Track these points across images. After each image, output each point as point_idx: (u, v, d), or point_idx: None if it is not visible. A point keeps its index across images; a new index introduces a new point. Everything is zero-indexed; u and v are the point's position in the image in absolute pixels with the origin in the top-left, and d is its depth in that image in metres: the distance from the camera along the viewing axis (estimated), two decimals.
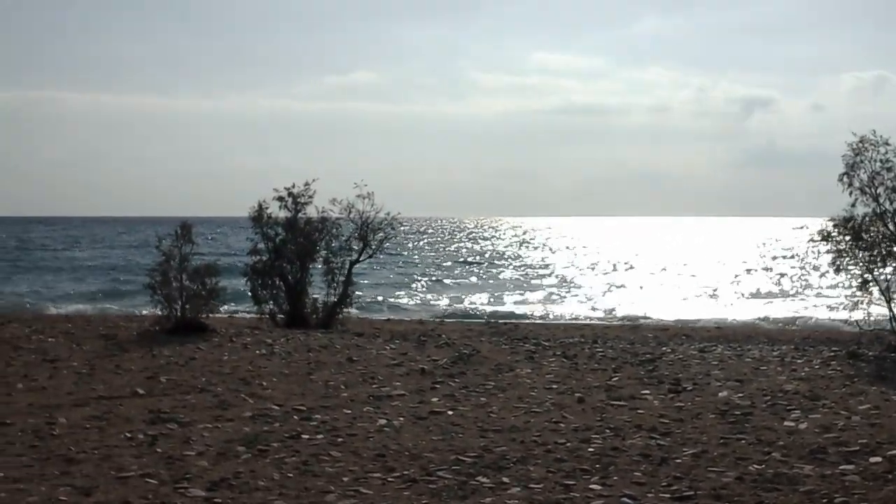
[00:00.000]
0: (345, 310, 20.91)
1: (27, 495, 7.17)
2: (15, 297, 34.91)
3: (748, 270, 51.10)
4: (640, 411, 10.41)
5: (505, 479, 7.63)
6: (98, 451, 8.55)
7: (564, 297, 38.68)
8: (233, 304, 22.58)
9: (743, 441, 8.93)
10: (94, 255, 64.61)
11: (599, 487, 7.43)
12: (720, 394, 11.45)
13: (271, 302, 20.53)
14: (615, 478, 7.69)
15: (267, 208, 20.64)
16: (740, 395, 11.34)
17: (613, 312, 30.76)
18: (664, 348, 16.14)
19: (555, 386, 12.08)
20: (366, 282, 37.19)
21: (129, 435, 9.18)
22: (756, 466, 7.98)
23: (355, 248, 21.09)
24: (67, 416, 10.07)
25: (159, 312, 18.02)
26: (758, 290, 39.94)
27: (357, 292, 22.12)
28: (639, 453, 8.44)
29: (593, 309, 32.50)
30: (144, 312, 22.34)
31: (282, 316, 20.34)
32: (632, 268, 54.21)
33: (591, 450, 8.59)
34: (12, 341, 16.12)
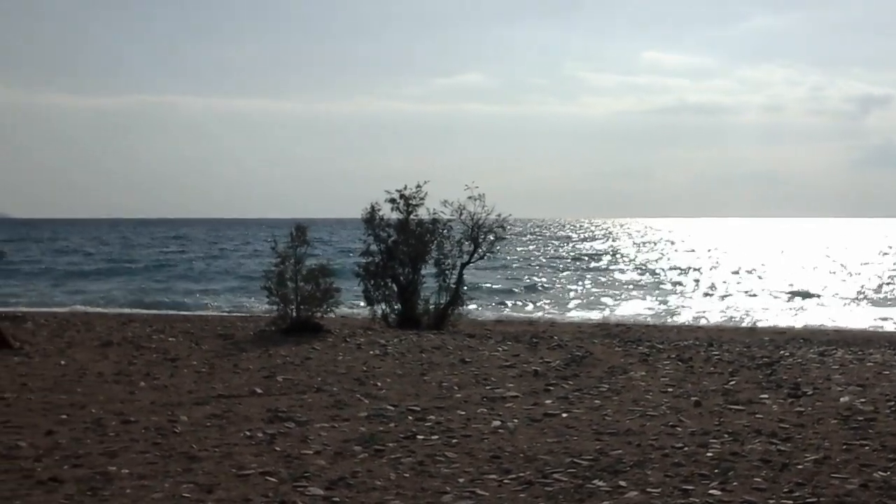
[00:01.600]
0: (456, 311, 20.98)
1: (152, 492, 7.34)
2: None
3: (863, 273, 49.81)
4: (758, 416, 10.21)
5: (622, 483, 7.55)
6: (219, 448, 8.72)
7: (677, 298, 38.18)
8: (346, 304, 22.78)
9: (867, 447, 8.69)
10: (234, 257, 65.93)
11: (719, 493, 7.30)
12: (842, 399, 11.17)
13: (383, 303, 20.71)
14: (735, 483, 7.55)
15: (379, 210, 20.83)
16: (862, 399, 11.04)
17: (727, 314, 30.24)
18: (782, 352, 15.82)
19: (670, 389, 11.93)
20: (476, 283, 37.22)
21: (248, 433, 9.35)
22: (881, 473, 7.76)
23: (466, 249, 21.13)
24: (188, 414, 10.29)
25: (275, 313, 18.34)
26: (881, 292, 38.89)
27: (468, 293, 22.11)
28: (759, 458, 8.27)
29: (706, 311, 31.99)
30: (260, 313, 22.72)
31: (394, 317, 20.50)
32: (749, 271, 53.20)
33: (709, 454, 8.45)
34: (135, 340, 16.58)
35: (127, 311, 27.91)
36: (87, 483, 7.53)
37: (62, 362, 14.03)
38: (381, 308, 20.63)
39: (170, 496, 7.24)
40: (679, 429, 9.56)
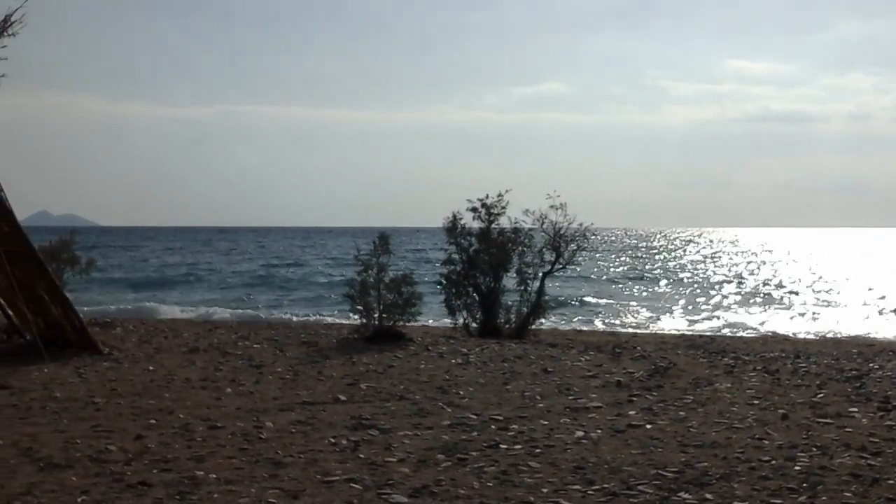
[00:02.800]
0: (537, 320, 20.91)
1: (239, 497, 7.44)
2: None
3: None
4: (847, 429, 10.02)
5: (708, 496, 7.47)
6: (304, 455, 8.81)
7: (762, 309, 37.63)
8: (427, 313, 22.82)
9: None
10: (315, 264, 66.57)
11: None
12: None
13: (465, 311, 20.73)
14: (824, 497, 7.43)
15: (461, 219, 20.86)
16: None
17: (813, 326, 29.72)
18: (871, 364, 15.51)
19: (756, 401, 11.76)
20: (558, 292, 37.07)
21: (332, 440, 9.43)
22: None
23: (548, 258, 21.05)
24: (274, 420, 10.41)
25: (358, 321, 18.48)
26: None
27: (549, 303, 22.03)
28: (848, 473, 8.12)
29: (791, 322, 31.47)
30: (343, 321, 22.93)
31: (475, 325, 20.51)
32: (836, 282, 52.25)
33: (797, 468, 8.32)
34: (221, 347, 16.83)
35: (212, 317, 28.29)
36: (175, 487, 7.65)
37: (150, 368, 14.29)
38: (462, 317, 20.65)
39: (256, 501, 7.33)
40: (766, 442, 9.42)
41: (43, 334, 15.39)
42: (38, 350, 14.65)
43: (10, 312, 16.91)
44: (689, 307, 38.39)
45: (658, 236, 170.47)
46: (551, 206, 20.70)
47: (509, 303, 20.94)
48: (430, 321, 24.14)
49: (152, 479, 7.88)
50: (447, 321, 21.41)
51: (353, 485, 7.78)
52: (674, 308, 38.07)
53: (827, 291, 45.13)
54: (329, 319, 27.51)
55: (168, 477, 7.96)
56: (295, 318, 29.35)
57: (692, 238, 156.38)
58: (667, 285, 51.48)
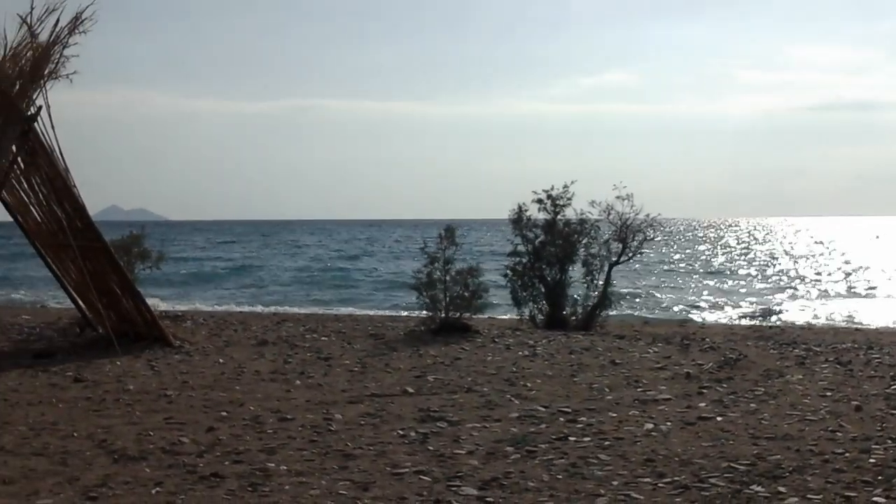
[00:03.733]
0: (604, 312, 20.81)
1: (310, 488, 7.50)
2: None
3: None
4: None
5: (781, 489, 7.38)
6: (373, 447, 8.85)
7: (832, 299, 37.12)
8: (493, 305, 22.80)
9: None
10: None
11: (883, 500, 7.07)
12: None
13: (531, 303, 20.69)
14: None
15: (526, 211, 20.81)
16: None
17: (888, 316, 29.21)
18: None
19: (829, 393, 11.59)
20: (625, 283, 36.86)
21: (401, 432, 9.46)
22: None
23: (615, 249, 20.93)
24: (343, 412, 10.47)
25: (425, 313, 18.53)
26: None
27: (616, 294, 21.89)
28: None
29: (863, 312, 30.97)
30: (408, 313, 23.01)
31: (541, 317, 20.46)
32: None
33: (872, 461, 8.19)
34: (289, 340, 16.96)
35: (281, 310, 28.56)
36: (247, 479, 7.74)
37: (221, 360, 14.45)
38: (528, 309, 20.62)
39: (327, 493, 7.38)
40: (839, 434, 9.29)
41: (115, 328, 15.64)
42: (111, 343, 14.90)
43: (83, 306, 17.20)
44: (757, 298, 37.99)
45: (724, 226, 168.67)
46: (617, 197, 20.60)
47: (575, 294, 20.86)
48: (497, 313, 24.13)
49: (224, 470, 7.97)
50: (513, 313, 21.40)
51: (423, 477, 7.80)
52: (741, 299, 37.69)
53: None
54: (395, 312, 27.61)
55: (240, 469, 8.05)
56: (362, 311, 29.54)
57: (759, 228, 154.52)
58: (734, 276, 50.96)
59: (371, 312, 28.54)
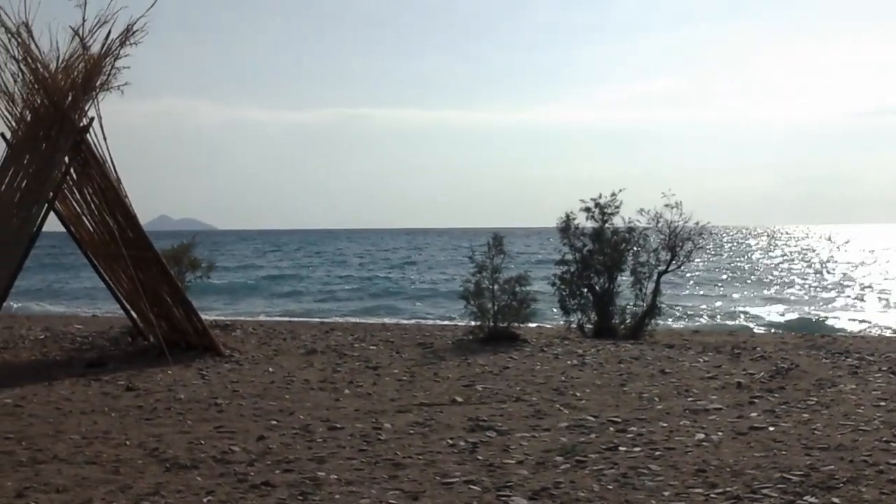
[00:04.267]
0: (653, 320, 20.68)
1: (360, 498, 7.50)
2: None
3: None
4: None
5: (835, 500, 7.28)
6: (422, 456, 8.85)
7: (886, 308, 36.64)
8: (540, 314, 22.74)
9: None
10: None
11: None
12: None
13: (579, 312, 20.62)
14: None
15: (574, 219, 20.75)
16: None
17: None
18: None
19: (883, 403, 11.43)
20: (673, 292, 36.62)
21: (450, 441, 9.45)
22: None
23: (663, 258, 20.81)
24: (392, 421, 10.49)
25: (473, 322, 18.52)
26: None
27: (665, 302, 21.75)
28: None
29: None
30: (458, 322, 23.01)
31: (590, 326, 20.38)
32: None
33: None
34: (338, 349, 17.03)
35: (328, 319, 28.68)
36: (297, 487, 7.76)
37: (270, 369, 14.53)
38: (576, 318, 20.55)
39: (377, 502, 7.38)
40: (894, 444, 9.15)
41: (166, 337, 15.77)
42: (162, 352, 15.02)
43: (135, 315, 17.37)
44: (808, 306, 37.60)
45: (773, 233, 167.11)
46: (666, 205, 20.49)
47: (624, 303, 20.75)
48: (545, 322, 24.07)
49: (275, 479, 8.01)
50: (561, 322, 21.33)
51: (473, 486, 7.79)
52: (792, 307, 37.31)
53: None
54: (443, 321, 27.62)
55: (290, 477, 8.08)
56: (409, 320, 29.58)
57: (808, 235, 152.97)
58: (784, 284, 50.46)
59: (419, 321, 28.58)
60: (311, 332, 20.39)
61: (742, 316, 33.61)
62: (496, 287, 18.38)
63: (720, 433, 9.76)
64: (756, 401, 11.67)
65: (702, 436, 9.63)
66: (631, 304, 20.60)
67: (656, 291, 20.60)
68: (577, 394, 12.24)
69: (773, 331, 26.78)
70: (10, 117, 15.35)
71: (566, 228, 20.74)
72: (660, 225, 20.62)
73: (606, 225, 20.62)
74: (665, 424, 10.25)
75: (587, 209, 20.64)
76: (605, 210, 20.59)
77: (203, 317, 16.89)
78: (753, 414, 10.80)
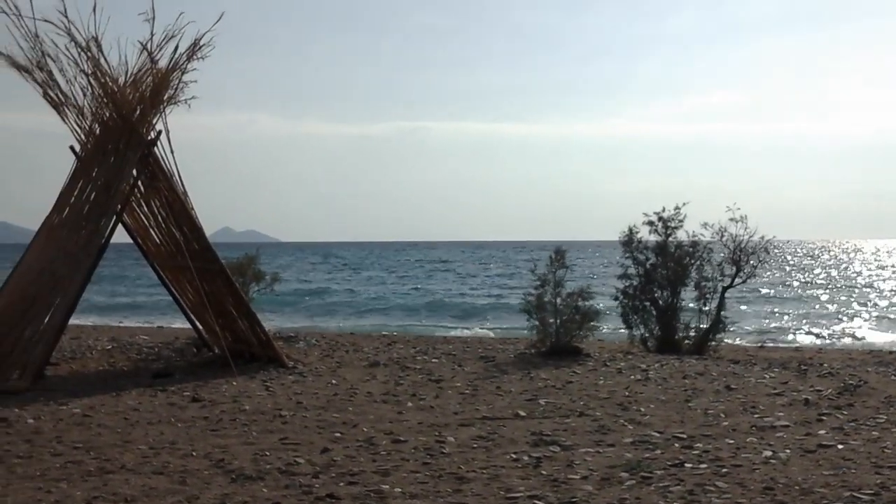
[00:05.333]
0: (718, 336, 20.46)
1: None
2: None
3: None
4: None
5: None
6: (486, 470, 8.83)
7: None
8: (603, 328, 22.62)
9: None
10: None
11: None
12: None
13: (642, 326, 20.48)
14: None
15: (637, 233, 20.63)
16: None
17: None
18: None
19: None
20: (738, 307, 36.23)
21: (514, 456, 9.42)
22: None
23: (728, 272, 20.59)
24: (455, 435, 10.47)
25: (535, 336, 18.47)
26: None
27: (730, 317, 21.50)
28: None
29: None
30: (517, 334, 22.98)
31: (653, 341, 20.23)
32: None
33: None
34: (400, 361, 17.06)
35: (390, 331, 28.75)
36: (362, 500, 7.78)
37: (333, 381, 14.59)
38: (639, 332, 20.41)
39: None
40: None
41: (230, 348, 15.91)
42: (227, 363, 15.16)
43: (200, 327, 17.56)
44: (877, 322, 37.00)
45: (840, 248, 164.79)
46: (731, 219, 20.29)
47: (688, 317, 20.57)
48: (607, 336, 23.94)
49: (339, 491, 8.04)
50: (623, 336, 21.20)
51: (537, 501, 7.75)
52: (860, 323, 36.75)
53: None
54: (505, 334, 27.57)
55: (354, 490, 8.10)
56: (471, 333, 29.58)
57: (877, 250, 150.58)
58: (853, 299, 49.72)
59: (481, 334, 28.56)
60: (373, 344, 20.46)
61: (808, 331, 33.17)
62: (559, 301, 18.31)
63: (788, 451, 9.62)
64: (824, 418, 11.48)
65: (769, 453, 9.50)
66: (695, 318, 20.41)
67: (720, 306, 20.39)
68: (642, 409, 12.14)
69: (839, 347, 26.37)
70: (79, 130, 15.61)
71: (629, 242, 20.61)
72: (724, 239, 20.42)
73: (670, 239, 20.47)
74: (731, 441, 10.12)
75: (650, 223, 20.50)
76: (669, 224, 20.44)
77: (266, 328, 17.02)
78: (821, 431, 10.63)
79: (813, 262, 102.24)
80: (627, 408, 12.25)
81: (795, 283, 61.67)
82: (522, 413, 11.84)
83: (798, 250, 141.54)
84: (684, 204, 20.53)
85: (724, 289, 20.53)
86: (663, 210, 20.46)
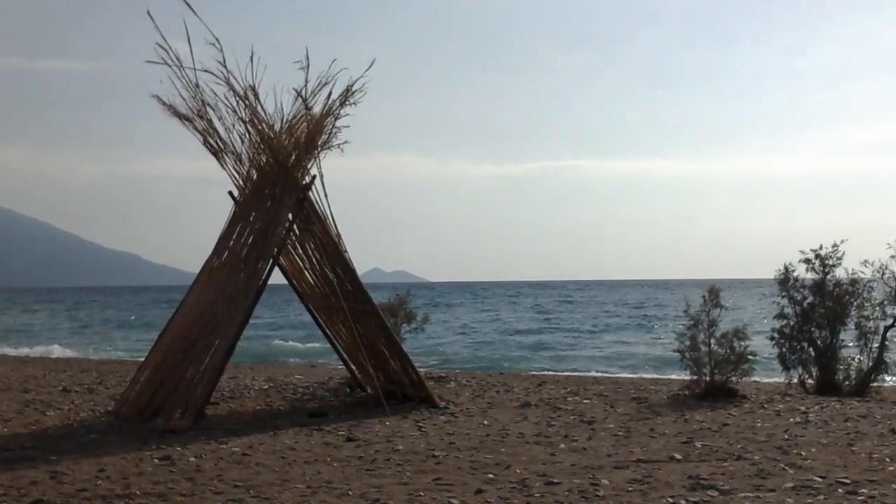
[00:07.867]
0: (880, 377, 19.74)
1: None
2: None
3: None
4: None
5: None
6: None
7: None
8: (759, 369, 22.04)
9: None
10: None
11: None
12: None
13: (800, 367, 19.90)
14: None
15: (793, 271, 20.10)
16: None
17: None
18: None
19: None
20: None
21: (671, 499, 9.24)
22: None
23: (890, 312, 19.88)
24: (609, 477, 10.34)
25: (689, 377, 18.15)
26: None
27: (893, 358, 20.70)
28: None
29: None
30: (673, 377, 22.62)
31: (811, 382, 19.63)
32: None
33: None
34: (551, 402, 16.98)
35: (540, 372, 28.64)
36: None
37: (485, 422, 14.60)
38: (797, 373, 19.83)
39: None
40: None
41: (383, 388, 16.09)
42: (380, 403, 15.33)
43: (353, 367, 17.82)
44: None
45: None
46: (893, 256, 19.60)
47: (848, 358, 19.90)
48: (763, 377, 23.34)
49: None
50: (780, 377, 20.64)
51: None
52: None
53: None
54: (658, 375, 27.16)
55: None
56: (623, 374, 29.25)
57: None
58: None
59: (632, 375, 28.21)
60: (523, 385, 20.41)
61: None
62: (713, 341, 17.96)
63: None
64: None
65: None
66: (856, 359, 19.74)
67: (882, 346, 19.68)
68: (802, 453, 11.77)
69: None
70: (237, 176, 16.13)
71: (785, 280, 20.09)
72: (885, 277, 19.73)
73: (828, 277, 19.89)
74: None
75: (807, 260, 19.95)
76: (826, 261, 19.86)
77: (418, 368, 17.15)
78: None
79: None
80: (787, 451, 11.89)
81: None
82: (678, 456, 11.62)
83: None
84: (843, 241, 19.92)
85: (887, 328, 19.81)
86: (820, 247, 19.90)
